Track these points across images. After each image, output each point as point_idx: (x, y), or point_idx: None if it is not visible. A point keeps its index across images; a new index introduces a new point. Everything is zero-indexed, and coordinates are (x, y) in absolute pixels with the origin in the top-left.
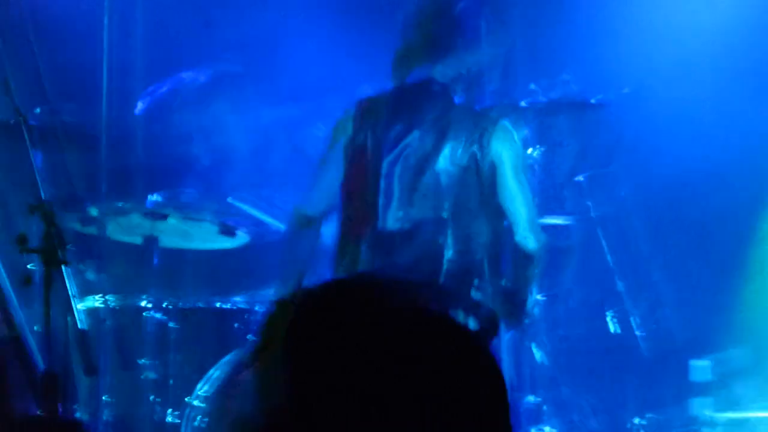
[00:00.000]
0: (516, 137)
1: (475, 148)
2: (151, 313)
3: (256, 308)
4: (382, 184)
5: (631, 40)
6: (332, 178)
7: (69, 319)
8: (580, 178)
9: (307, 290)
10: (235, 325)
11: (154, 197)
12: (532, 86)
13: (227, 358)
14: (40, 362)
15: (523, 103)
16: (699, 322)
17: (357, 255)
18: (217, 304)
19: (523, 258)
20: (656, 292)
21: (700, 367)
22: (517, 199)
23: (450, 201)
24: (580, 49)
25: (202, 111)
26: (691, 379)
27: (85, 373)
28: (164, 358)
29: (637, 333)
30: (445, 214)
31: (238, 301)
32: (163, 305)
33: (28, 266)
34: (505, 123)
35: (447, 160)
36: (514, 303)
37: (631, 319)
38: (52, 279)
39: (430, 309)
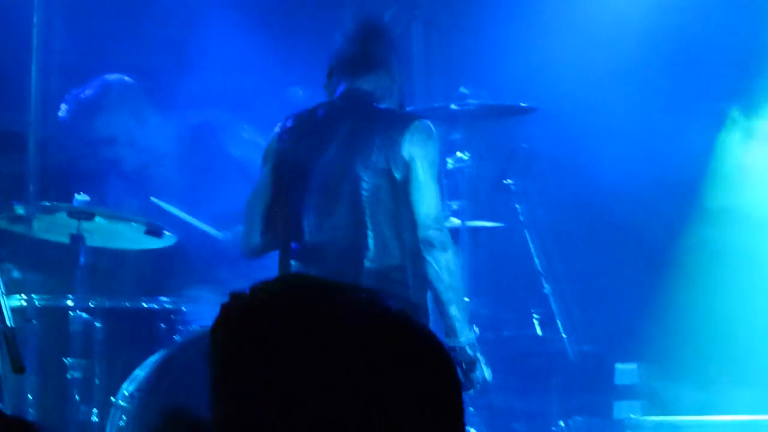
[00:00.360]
0: (432, 135)
1: (388, 150)
2: (77, 312)
3: (183, 308)
4: (306, 197)
5: (559, 48)
6: (266, 206)
7: None
8: (509, 182)
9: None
10: (161, 325)
11: (80, 196)
12: (463, 89)
13: (153, 358)
14: None
15: (453, 106)
16: (625, 326)
17: (287, 269)
18: (144, 304)
19: (423, 257)
20: (583, 295)
21: (626, 371)
22: (420, 195)
23: (369, 207)
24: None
25: (126, 114)
26: (617, 382)
27: (13, 371)
28: (90, 357)
29: (564, 336)
30: (366, 220)
31: (165, 301)
32: (90, 305)
33: None
34: (421, 122)
35: (363, 165)
36: (447, 323)
37: (558, 321)
38: None
39: (362, 303)
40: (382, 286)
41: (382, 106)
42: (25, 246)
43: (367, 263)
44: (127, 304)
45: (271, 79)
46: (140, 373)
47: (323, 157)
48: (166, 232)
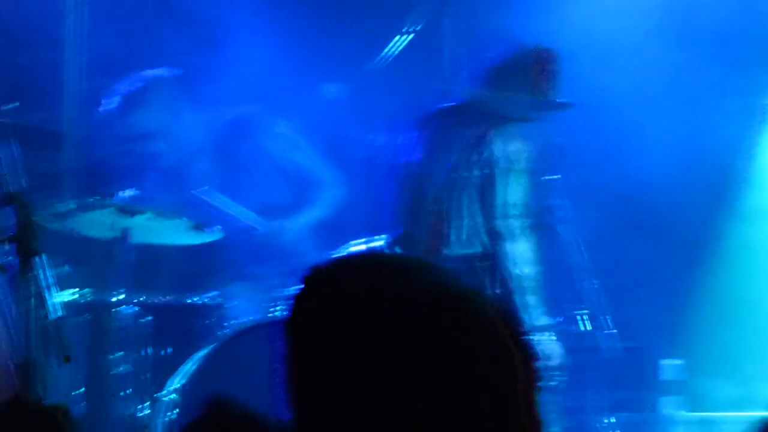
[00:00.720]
0: (521, 134)
1: (475, 144)
2: (125, 307)
3: (227, 304)
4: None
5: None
6: None
7: (43, 309)
8: (553, 177)
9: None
10: (206, 320)
11: (124, 193)
12: None
13: (199, 352)
14: (16, 351)
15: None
16: (664, 322)
17: None
18: (189, 300)
19: (494, 249)
20: (619, 290)
21: (673, 367)
22: (492, 188)
23: (453, 196)
24: None
25: (163, 109)
26: (662, 378)
27: (58, 364)
28: (137, 352)
29: (611, 331)
30: (447, 209)
31: (209, 296)
32: (136, 300)
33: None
34: (512, 122)
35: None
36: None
37: (602, 318)
38: (27, 269)
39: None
40: (464, 275)
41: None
42: (72, 242)
43: (445, 251)
44: (173, 299)
45: (303, 76)
46: (187, 367)
47: (420, 151)
48: (211, 228)
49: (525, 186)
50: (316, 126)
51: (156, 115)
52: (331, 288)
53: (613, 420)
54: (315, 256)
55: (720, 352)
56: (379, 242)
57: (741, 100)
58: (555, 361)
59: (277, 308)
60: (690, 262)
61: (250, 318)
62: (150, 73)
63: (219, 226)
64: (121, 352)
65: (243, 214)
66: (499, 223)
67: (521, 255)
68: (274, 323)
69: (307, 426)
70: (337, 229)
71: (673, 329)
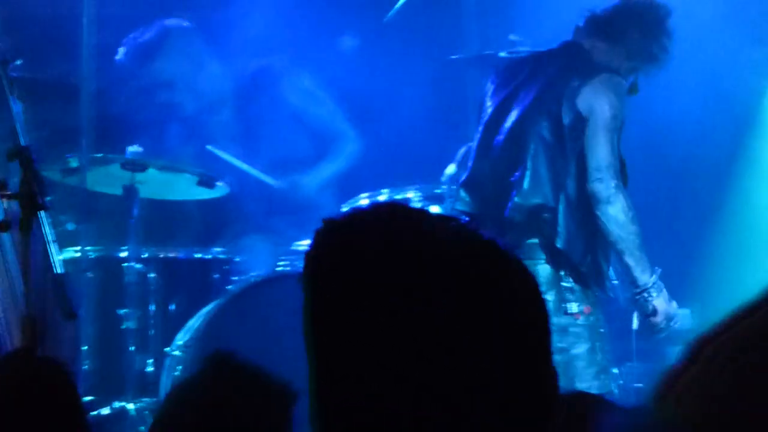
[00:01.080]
0: (617, 90)
1: (565, 95)
2: (132, 263)
3: (236, 258)
4: (478, 130)
5: None
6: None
7: (47, 264)
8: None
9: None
10: (215, 275)
11: (133, 148)
12: (512, 37)
13: (206, 308)
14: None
15: (502, 54)
16: (674, 271)
17: (457, 198)
18: (197, 255)
19: (593, 212)
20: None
21: (680, 316)
22: (589, 147)
23: (532, 145)
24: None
25: (184, 58)
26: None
27: (63, 318)
28: (144, 308)
29: (615, 282)
30: (525, 157)
31: (218, 251)
32: (143, 256)
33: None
34: (610, 76)
35: (535, 105)
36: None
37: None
38: (30, 224)
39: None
40: (531, 223)
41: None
42: (79, 198)
43: (517, 198)
44: (181, 254)
45: (321, 28)
46: (194, 323)
47: (502, 94)
48: (219, 183)
49: (615, 144)
50: (335, 79)
51: (175, 65)
52: (343, 242)
53: (615, 371)
54: (331, 210)
55: (730, 304)
56: (409, 194)
57: (760, 50)
58: (660, 317)
59: (288, 263)
60: (706, 213)
61: (260, 273)
62: (169, 22)
63: (227, 181)
64: (129, 308)
65: (255, 171)
66: (596, 186)
67: (615, 216)
68: (283, 278)
69: (324, 381)
70: (355, 183)
71: (679, 278)
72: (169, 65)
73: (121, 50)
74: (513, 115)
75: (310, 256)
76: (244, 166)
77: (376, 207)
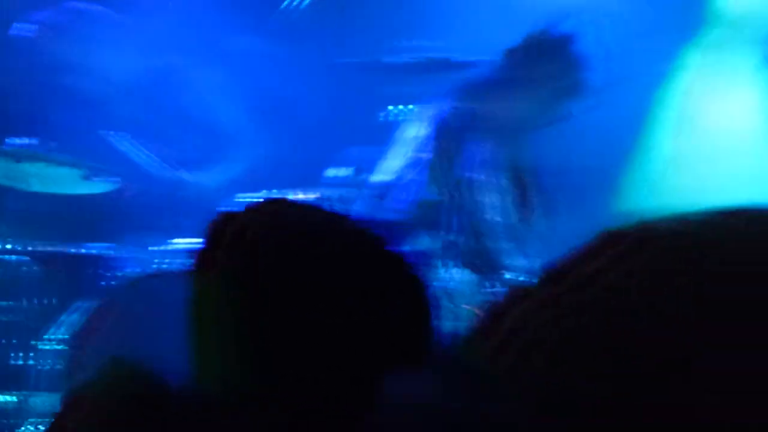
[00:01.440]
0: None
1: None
2: (5, 256)
3: (114, 254)
4: None
5: None
6: None
7: None
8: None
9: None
10: (90, 270)
11: (16, 138)
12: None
13: (81, 303)
14: None
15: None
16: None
17: None
18: (72, 250)
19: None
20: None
21: None
22: None
23: None
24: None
25: (90, 41)
26: None
27: None
28: (19, 301)
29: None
30: None
31: (93, 246)
32: (18, 248)
33: None
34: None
35: None
36: None
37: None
38: None
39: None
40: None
41: None
42: None
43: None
44: (56, 248)
45: (225, 26)
46: (67, 317)
47: None
48: (105, 178)
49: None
50: (237, 79)
51: (82, 46)
52: (234, 238)
53: None
54: (225, 210)
55: None
56: (312, 195)
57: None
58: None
59: (173, 261)
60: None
61: (143, 270)
62: (78, 5)
63: (116, 177)
64: (3, 301)
65: (154, 163)
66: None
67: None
68: (168, 276)
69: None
70: (253, 185)
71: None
72: (72, 47)
73: (19, 27)
74: None
75: (201, 252)
76: (144, 157)
77: (271, 203)
